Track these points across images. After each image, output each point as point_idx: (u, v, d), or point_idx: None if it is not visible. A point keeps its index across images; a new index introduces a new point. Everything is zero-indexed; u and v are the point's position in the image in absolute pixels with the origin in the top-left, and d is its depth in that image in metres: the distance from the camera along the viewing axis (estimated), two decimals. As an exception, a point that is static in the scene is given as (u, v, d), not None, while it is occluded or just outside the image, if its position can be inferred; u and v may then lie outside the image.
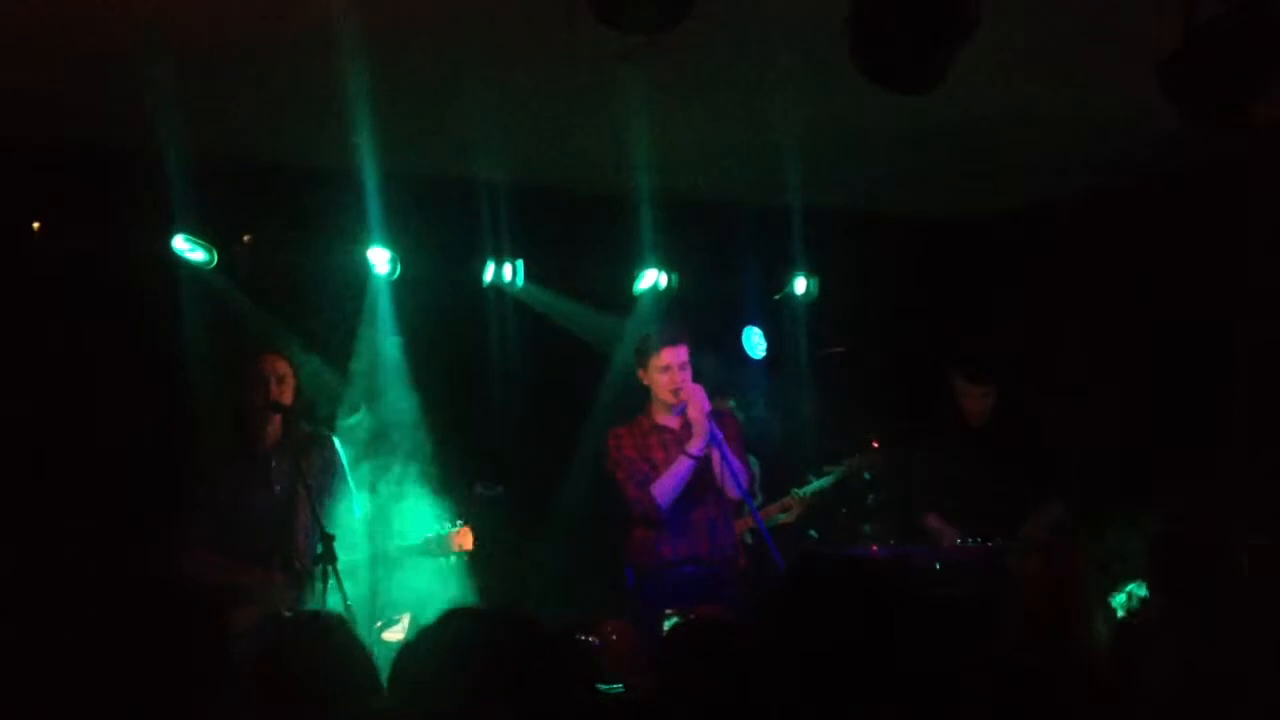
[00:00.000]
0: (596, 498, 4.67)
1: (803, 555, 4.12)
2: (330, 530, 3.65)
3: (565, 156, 4.90)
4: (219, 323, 4.60)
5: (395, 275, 4.89)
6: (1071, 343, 5.49)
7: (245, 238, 4.68)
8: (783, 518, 4.97)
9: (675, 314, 5.19)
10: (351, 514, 4.01)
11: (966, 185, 5.45)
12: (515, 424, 5.11)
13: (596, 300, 5.31)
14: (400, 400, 4.64)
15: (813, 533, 5.15)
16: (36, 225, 4.38)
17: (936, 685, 1.83)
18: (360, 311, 4.85)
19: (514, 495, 4.87)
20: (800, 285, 5.65)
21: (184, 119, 4.02)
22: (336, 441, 4.13)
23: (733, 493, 4.16)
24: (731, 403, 4.89)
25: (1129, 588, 3.48)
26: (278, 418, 3.95)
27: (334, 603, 3.54)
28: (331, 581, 3.56)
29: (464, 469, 4.65)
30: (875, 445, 5.04)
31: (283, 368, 3.99)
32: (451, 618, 2.11)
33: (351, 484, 4.09)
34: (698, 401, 4.08)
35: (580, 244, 5.26)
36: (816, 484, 5.01)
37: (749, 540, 4.67)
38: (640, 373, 4.26)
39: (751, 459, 4.63)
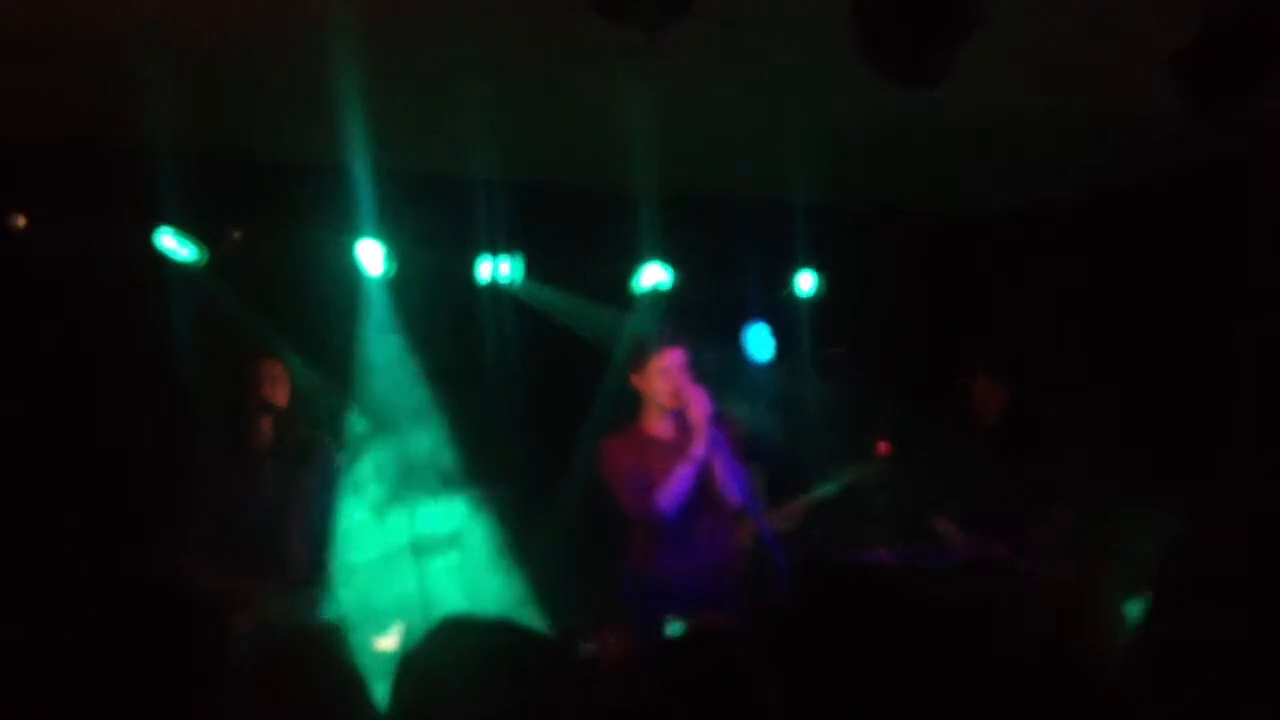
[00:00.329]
0: (595, 501, 4.61)
1: (809, 563, 4.07)
2: (324, 534, 3.61)
3: (565, 152, 4.85)
4: (210, 322, 4.55)
5: (391, 273, 4.83)
6: (1072, 343, 5.49)
7: (236, 235, 4.62)
8: (787, 525, 4.93)
9: (675, 313, 5.13)
10: (348, 518, 3.97)
11: (967, 184, 5.45)
12: (514, 424, 5.06)
13: (596, 298, 5.25)
14: (396, 400, 4.60)
15: (813, 532, 5.11)
16: (23, 222, 4.33)
17: (944, 691, 1.82)
18: (355, 310, 4.80)
19: (513, 496, 4.82)
20: (804, 283, 5.60)
21: (174, 114, 3.97)
22: (331, 444, 4.08)
23: (734, 498, 4.07)
24: (735, 408, 4.84)
25: (1139, 594, 3.45)
26: (271, 420, 3.90)
27: (327, 610, 3.50)
28: (325, 588, 3.53)
29: (462, 470, 4.60)
30: (882, 448, 5.00)
31: (276, 369, 3.94)
32: (446, 629, 2.09)
33: (346, 487, 4.05)
34: (699, 404, 3.97)
35: (580, 241, 5.20)
36: (822, 491, 4.96)
37: (750, 546, 4.63)
38: (634, 377, 4.12)
39: (754, 465, 4.58)
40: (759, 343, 5.37)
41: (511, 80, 3.95)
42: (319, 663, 2.31)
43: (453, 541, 4.02)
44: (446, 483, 4.38)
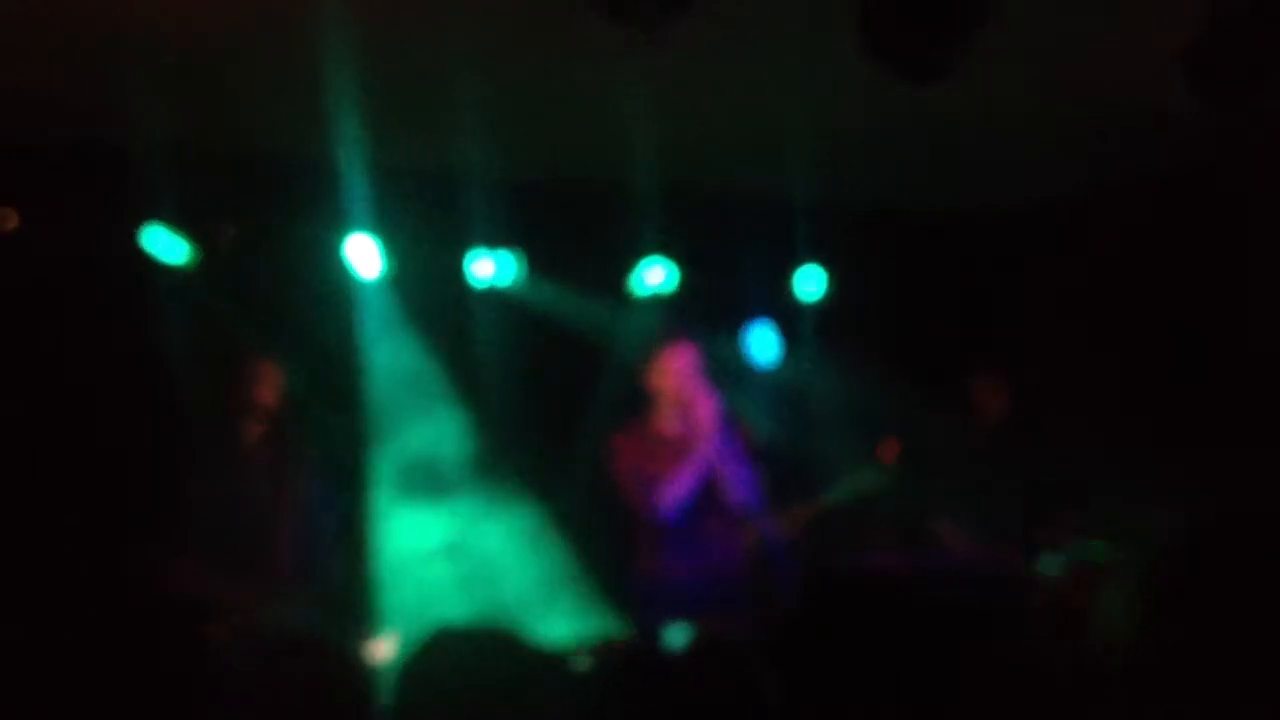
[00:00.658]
0: (596, 502, 4.58)
1: (813, 566, 4.06)
2: (315, 537, 3.59)
3: (565, 149, 4.81)
4: (201, 322, 4.51)
5: (386, 271, 4.79)
6: (1072, 343, 5.49)
7: (228, 232, 4.58)
8: (793, 529, 4.91)
9: (682, 312, 5.10)
10: (340, 521, 3.95)
11: (967, 183, 5.43)
12: (514, 425, 5.02)
13: (597, 297, 5.22)
14: (391, 401, 4.56)
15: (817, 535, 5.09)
16: (14, 220, 4.30)
17: (949, 694, 1.82)
18: (349, 309, 4.76)
19: (513, 497, 4.79)
20: (807, 284, 5.57)
21: (165, 111, 3.94)
22: (324, 445, 4.05)
23: (740, 500, 4.05)
24: (754, 418, 4.82)
25: (1141, 594, 3.43)
26: (261, 420, 3.88)
27: (319, 614, 3.48)
28: (317, 592, 3.50)
29: (460, 472, 4.56)
30: (888, 450, 4.99)
31: (267, 369, 3.91)
32: (441, 639, 2.08)
33: (339, 490, 4.02)
34: (707, 405, 3.96)
35: (581, 239, 5.16)
36: (832, 495, 4.95)
37: (756, 549, 4.60)
38: (644, 375, 4.14)
39: (761, 467, 4.55)
40: (763, 343, 5.34)
41: (510, 77, 3.92)
42: (312, 668, 2.30)
43: (451, 548, 4.00)
44: (444, 485, 4.35)
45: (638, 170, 4.70)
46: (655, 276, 5.22)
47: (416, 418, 4.45)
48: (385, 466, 4.27)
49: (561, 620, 4.09)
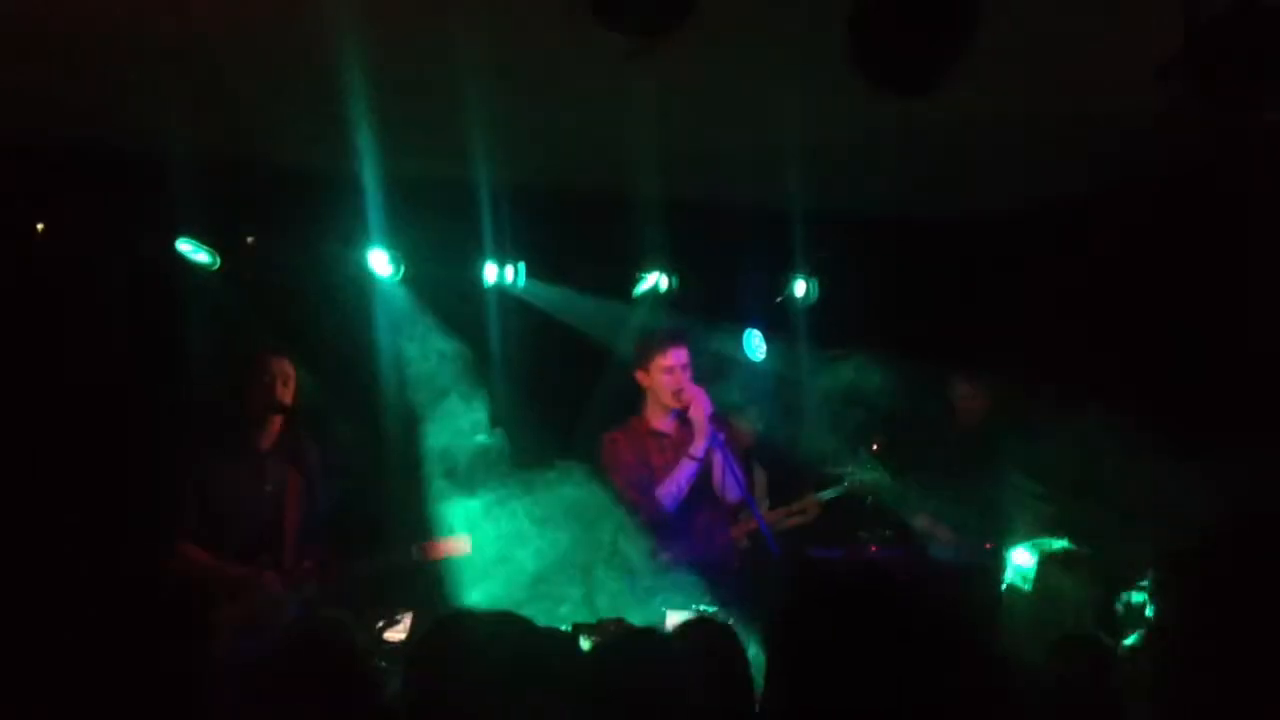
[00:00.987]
0: (595, 495, 4.65)
1: (803, 560, 4.13)
2: (325, 531, 3.67)
3: (567, 158, 4.90)
4: (222, 323, 4.61)
5: (398, 277, 4.90)
6: (1071, 343, 5.48)
7: (248, 240, 4.69)
8: (790, 520, 4.99)
9: (677, 315, 5.18)
10: (351, 515, 4.02)
11: (966, 185, 5.45)
12: (518, 425, 5.10)
13: (598, 301, 5.31)
14: (402, 401, 4.64)
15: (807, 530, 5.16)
16: (40, 227, 4.40)
17: (938, 688, 1.84)
18: (362, 313, 4.85)
19: (515, 496, 4.86)
20: (800, 288, 5.65)
21: (188, 121, 4.04)
22: (335, 442, 4.14)
23: (733, 496, 4.16)
24: (750, 416, 4.89)
25: (1130, 595, 3.49)
26: (278, 418, 3.96)
27: (331, 602, 3.55)
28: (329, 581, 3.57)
29: (466, 471, 4.64)
30: (875, 448, 5.06)
31: (285, 368, 4.00)
32: (452, 622, 2.13)
33: (349, 485, 4.10)
34: (700, 403, 4.07)
35: (582, 246, 5.26)
36: (831, 491, 5.02)
37: (746, 544, 4.68)
38: (639, 374, 4.24)
39: (753, 464, 4.62)
40: (756, 345, 5.43)
41: (515, 88, 3.99)
42: (324, 654, 2.34)
43: (452, 545, 4.07)
44: (454, 479, 4.42)
45: (638, 179, 4.78)
46: (652, 282, 5.30)
47: (424, 417, 4.54)
48: (394, 462, 4.36)
49: (567, 604, 4.18)
